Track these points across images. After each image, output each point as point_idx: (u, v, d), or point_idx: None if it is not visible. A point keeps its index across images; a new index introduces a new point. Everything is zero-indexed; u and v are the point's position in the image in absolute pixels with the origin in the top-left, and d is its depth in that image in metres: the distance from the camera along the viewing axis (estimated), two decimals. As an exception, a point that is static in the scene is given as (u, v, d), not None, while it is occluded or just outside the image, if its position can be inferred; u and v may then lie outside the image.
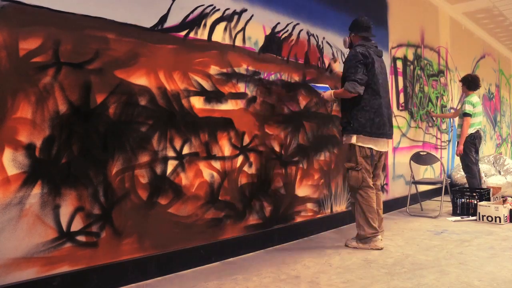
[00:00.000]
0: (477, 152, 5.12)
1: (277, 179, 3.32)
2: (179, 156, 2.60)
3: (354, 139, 3.10)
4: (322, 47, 3.87)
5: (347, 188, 3.42)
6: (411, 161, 4.90)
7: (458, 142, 5.07)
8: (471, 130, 5.01)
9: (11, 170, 1.90)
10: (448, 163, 6.76)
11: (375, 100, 3.09)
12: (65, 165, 2.08)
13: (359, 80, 2.99)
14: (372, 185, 3.16)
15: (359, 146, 3.10)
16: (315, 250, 3.14)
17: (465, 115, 5.01)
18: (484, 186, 5.49)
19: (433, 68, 6.23)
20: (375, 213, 3.13)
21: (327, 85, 3.42)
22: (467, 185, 5.27)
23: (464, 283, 2.34)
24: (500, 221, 4.09)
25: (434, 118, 6.13)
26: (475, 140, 5.03)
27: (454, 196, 4.68)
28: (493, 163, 6.72)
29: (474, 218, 4.35)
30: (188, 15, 2.69)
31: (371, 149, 3.13)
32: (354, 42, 3.27)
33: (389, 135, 3.22)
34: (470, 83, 5.18)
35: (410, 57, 5.58)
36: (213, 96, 2.83)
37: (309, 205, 3.66)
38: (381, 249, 3.09)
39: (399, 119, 5.26)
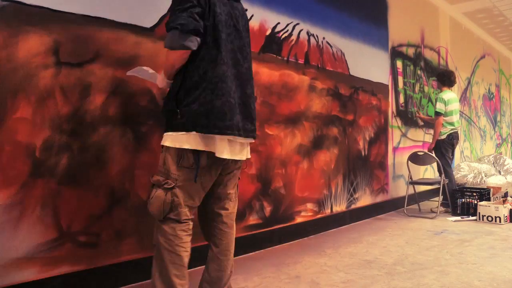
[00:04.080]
0: (453, 153, 4.93)
1: (277, 179, 3.32)
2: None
3: (175, 140, 1.75)
4: (322, 47, 3.87)
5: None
6: (409, 161, 4.90)
7: (431, 140, 4.94)
8: (447, 130, 4.80)
9: (11, 170, 1.90)
10: (448, 163, 6.76)
11: (217, 68, 1.75)
12: (65, 165, 2.08)
13: (182, 25, 1.65)
14: (189, 217, 1.80)
15: (182, 150, 1.75)
16: (315, 250, 3.14)
17: (436, 114, 4.80)
18: (484, 186, 5.49)
19: (433, 68, 6.23)
20: (184, 269, 1.78)
21: (153, 71, 2.05)
22: (467, 185, 5.27)
23: (464, 283, 2.34)
24: (500, 221, 4.09)
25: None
26: (453, 140, 4.83)
27: (454, 196, 4.67)
28: (493, 163, 6.72)
29: (474, 218, 4.35)
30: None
31: (208, 154, 1.77)
32: None
33: (246, 132, 1.85)
34: (444, 78, 4.95)
35: (410, 57, 5.58)
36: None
37: (309, 205, 3.66)
38: None
39: (399, 119, 5.26)
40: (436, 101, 4.89)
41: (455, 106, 4.87)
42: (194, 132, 1.71)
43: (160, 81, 1.92)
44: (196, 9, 1.69)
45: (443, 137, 4.82)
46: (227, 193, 1.96)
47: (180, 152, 1.75)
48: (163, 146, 1.80)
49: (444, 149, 4.78)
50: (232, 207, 2.00)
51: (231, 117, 1.76)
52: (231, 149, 1.82)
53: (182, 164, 1.75)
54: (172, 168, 1.75)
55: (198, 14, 1.69)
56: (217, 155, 1.76)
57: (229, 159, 1.84)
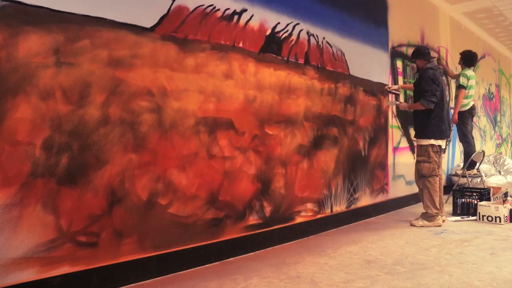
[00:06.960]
0: (472, 122, 5.68)
1: (277, 179, 3.32)
2: (179, 156, 2.60)
3: (428, 142, 4.01)
4: (322, 47, 3.87)
5: (415, 176, 4.17)
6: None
7: (453, 111, 5.53)
8: (466, 101, 5.42)
9: (11, 170, 1.90)
10: (448, 163, 6.76)
11: (441, 111, 4.00)
12: (65, 165, 2.08)
13: (434, 100, 3.91)
14: (437, 174, 4.06)
15: (432, 145, 4.00)
16: (315, 250, 3.14)
17: (460, 87, 5.37)
18: (484, 186, 5.49)
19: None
20: (438, 196, 4.02)
21: (398, 92, 4.67)
22: (467, 185, 5.27)
23: (464, 283, 2.34)
24: (500, 221, 4.09)
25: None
26: (473, 111, 5.58)
27: (454, 196, 4.68)
28: (493, 163, 6.72)
29: (474, 218, 4.35)
30: (189, 15, 2.69)
31: (440, 146, 4.06)
32: (421, 66, 4.09)
33: (448, 136, 4.21)
34: (467, 58, 5.45)
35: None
36: (213, 96, 2.83)
37: (309, 205, 3.66)
38: (440, 226, 4.00)
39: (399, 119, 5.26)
40: (459, 76, 5.42)
41: (473, 82, 5.48)
42: (433, 139, 4.03)
43: (403, 106, 4.48)
44: (437, 88, 3.97)
45: (464, 108, 5.47)
46: (440, 163, 4.20)
47: (431, 146, 4.02)
48: (421, 145, 4.07)
49: (466, 118, 5.49)
50: (440, 169, 4.22)
51: (445, 130, 4.07)
52: (444, 143, 4.13)
53: (433, 150, 4.02)
54: (430, 153, 4.01)
55: (437, 90, 3.97)
56: (442, 146, 4.12)
57: (443, 148, 4.15)
